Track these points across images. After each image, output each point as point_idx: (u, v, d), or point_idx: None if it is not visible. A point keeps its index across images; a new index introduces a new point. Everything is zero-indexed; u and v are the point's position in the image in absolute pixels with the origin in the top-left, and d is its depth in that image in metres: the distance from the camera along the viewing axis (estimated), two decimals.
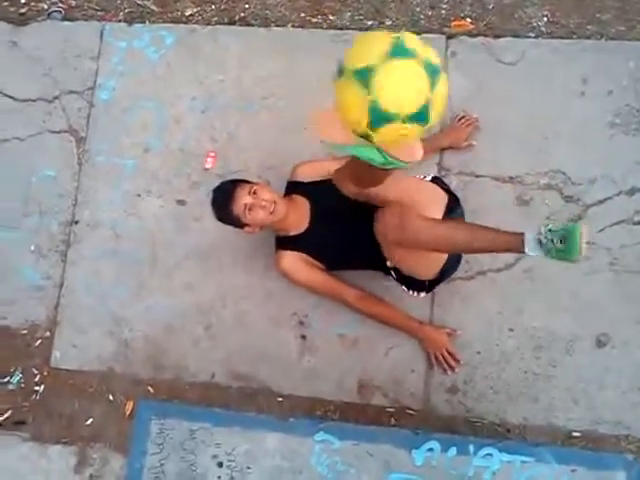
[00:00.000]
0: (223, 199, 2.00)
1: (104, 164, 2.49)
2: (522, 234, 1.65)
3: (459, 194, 2.15)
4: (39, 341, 2.44)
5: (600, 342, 2.07)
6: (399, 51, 1.19)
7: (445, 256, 1.91)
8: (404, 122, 1.20)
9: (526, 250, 1.64)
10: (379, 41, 1.22)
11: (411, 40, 1.22)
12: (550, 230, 1.61)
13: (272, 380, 2.24)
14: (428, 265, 1.92)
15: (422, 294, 2.08)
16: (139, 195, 2.44)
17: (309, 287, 2.13)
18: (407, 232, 1.74)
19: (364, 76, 1.20)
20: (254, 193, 1.96)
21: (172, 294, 2.35)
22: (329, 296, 2.14)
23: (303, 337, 2.24)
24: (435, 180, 2.08)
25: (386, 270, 2.07)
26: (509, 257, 2.16)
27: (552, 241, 1.59)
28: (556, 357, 2.09)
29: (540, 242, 1.62)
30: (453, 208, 1.99)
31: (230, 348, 2.28)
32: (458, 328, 2.14)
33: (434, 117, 1.24)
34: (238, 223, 2.00)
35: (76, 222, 2.47)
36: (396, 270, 2.03)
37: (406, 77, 1.19)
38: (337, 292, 2.11)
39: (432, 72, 1.20)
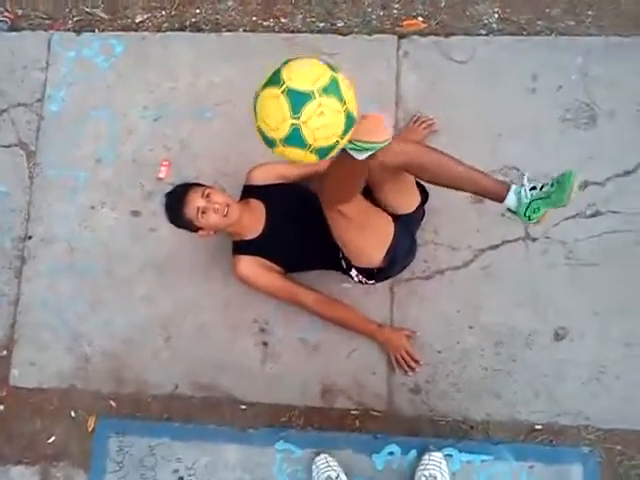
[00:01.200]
0: (176, 203, 2.04)
1: (56, 177, 2.53)
2: (509, 185, 1.79)
3: None
4: None
5: (558, 335, 2.17)
6: (270, 80, 1.45)
7: (389, 237, 1.96)
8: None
9: (506, 200, 1.77)
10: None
11: (288, 69, 1.45)
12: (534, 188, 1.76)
13: (235, 389, 2.30)
14: (373, 246, 1.97)
15: (371, 282, 2.14)
16: (93, 207, 2.49)
17: (268, 292, 2.19)
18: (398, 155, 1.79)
19: (274, 78, 1.44)
20: (207, 196, 2.01)
21: (130, 307, 2.40)
22: (288, 300, 2.20)
23: (265, 344, 2.30)
24: None
25: (342, 269, 2.15)
26: (467, 255, 2.26)
27: (534, 189, 1.75)
28: (516, 352, 2.18)
29: (519, 195, 1.75)
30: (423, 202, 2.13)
31: (192, 359, 2.34)
32: (418, 328, 2.22)
33: (347, 96, 1.44)
34: (192, 227, 2.05)
35: (29, 237, 2.51)
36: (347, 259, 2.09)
37: (305, 63, 1.46)
38: (295, 296, 2.17)
39: (295, 99, 1.39)
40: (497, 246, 2.25)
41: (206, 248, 2.35)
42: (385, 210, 2.00)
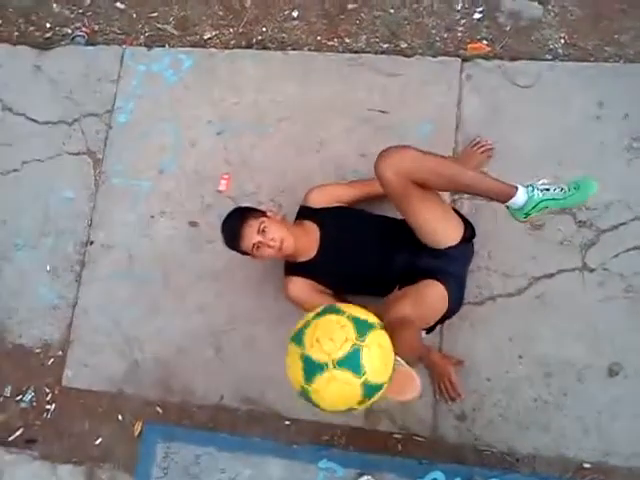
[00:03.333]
0: (232, 236, 2.21)
1: (120, 186, 2.81)
2: (516, 185, 2.00)
3: (470, 219, 2.39)
4: (52, 360, 2.75)
5: (612, 371, 2.24)
6: (328, 309, 1.66)
7: (443, 310, 2.13)
8: (334, 367, 1.55)
9: (515, 197, 1.99)
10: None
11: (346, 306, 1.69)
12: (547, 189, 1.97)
13: (280, 404, 2.48)
14: (427, 323, 2.13)
15: (423, 333, 2.23)
16: (153, 217, 2.75)
17: None
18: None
19: (298, 336, 1.65)
20: (262, 231, 2.14)
21: (184, 315, 2.63)
22: None
23: None
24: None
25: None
26: (521, 282, 2.37)
27: (547, 190, 1.94)
28: (567, 385, 2.27)
29: (531, 194, 1.96)
30: (470, 237, 2.25)
31: (239, 371, 2.54)
32: (467, 354, 2.35)
33: (370, 367, 1.60)
34: (246, 254, 2.24)
35: (91, 243, 2.79)
36: None
37: (333, 326, 1.60)
38: None
39: (360, 325, 1.61)
40: (552, 275, 2.36)
41: (259, 265, 2.54)
42: (427, 241, 2.13)
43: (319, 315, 1.66)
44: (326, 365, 1.55)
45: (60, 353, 2.74)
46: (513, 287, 2.37)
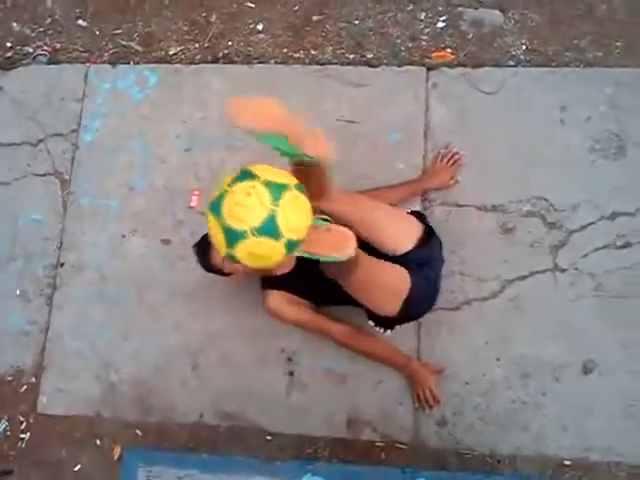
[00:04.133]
0: (203, 253, 2.27)
1: (89, 206, 2.83)
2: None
3: (443, 225, 2.47)
4: (25, 387, 2.74)
5: (587, 368, 2.34)
6: (241, 176, 1.66)
7: (404, 288, 2.08)
8: (254, 235, 1.59)
9: None
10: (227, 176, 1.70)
11: (259, 168, 1.68)
12: None
13: (261, 418, 2.52)
14: (386, 301, 2.10)
15: (388, 332, 2.29)
16: (124, 236, 2.77)
17: (296, 325, 2.40)
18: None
19: (216, 205, 1.64)
20: None
21: (159, 335, 2.65)
22: (317, 333, 2.41)
23: (291, 374, 2.52)
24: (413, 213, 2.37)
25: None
26: (494, 285, 2.46)
27: None
28: (544, 385, 2.35)
29: None
30: (428, 240, 2.24)
31: (218, 387, 2.57)
32: (445, 359, 2.42)
33: (287, 229, 1.62)
34: (223, 273, 2.29)
35: (61, 265, 2.80)
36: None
37: (247, 193, 1.61)
38: (324, 329, 2.38)
39: (274, 188, 1.62)
40: (525, 277, 2.45)
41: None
42: (384, 251, 2.14)
43: (234, 182, 1.65)
44: (245, 233, 1.59)
45: (33, 380, 2.73)
46: (487, 291, 2.46)
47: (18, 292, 2.81)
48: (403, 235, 2.18)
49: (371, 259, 2.00)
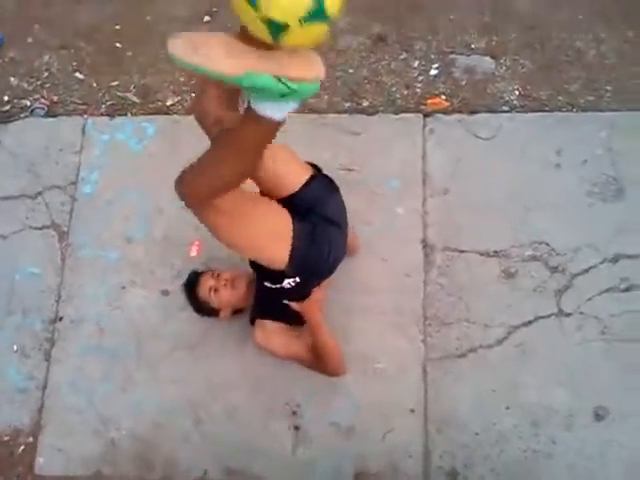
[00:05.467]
0: (190, 288, 2.32)
1: (87, 257, 2.69)
2: None
3: (445, 269, 2.36)
4: (22, 447, 2.54)
5: (598, 415, 2.20)
6: None
7: (285, 229, 1.90)
8: (301, 25, 1.23)
9: None
10: None
11: None
12: None
13: (266, 474, 2.35)
14: (268, 239, 1.90)
15: (285, 283, 2.07)
16: (123, 287, 2.62)
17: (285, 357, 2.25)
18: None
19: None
20: (217, 276, 2.26)
21: (160, 388, 2.49)
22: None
23: (296, 428, 2.36)
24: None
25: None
26: (500, 332, 2.33)
27: None
28: (555, 433, 2.22)
29: None
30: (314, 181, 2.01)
31: (221, 442, 2.40)
32: (454, 408, 2.29)
33: (332, 7, 1.25)
34: (211, 311, 2.29)
35: (60, 319, 2.64)
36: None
37: None
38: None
39: None
40: (530, 322, 2.33)
41: (237, 328, 2.45)
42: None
43: None
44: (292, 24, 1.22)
45: (31, 439, 2.54)
46: (493, 337, 2.33)
47: (15, 348, 2.65)
48: (295, 174, 1.98)
49: (251, 193, 1.90)
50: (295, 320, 2.19)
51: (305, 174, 2.00)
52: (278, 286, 2.11)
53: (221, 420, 2.41)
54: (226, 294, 2.26)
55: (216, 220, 1.83)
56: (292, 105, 1.40)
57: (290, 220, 1.92)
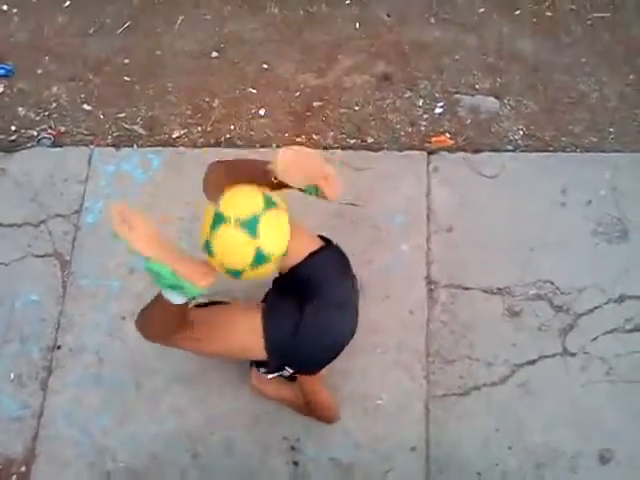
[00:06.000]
0: None
1: (89, 287, 2.66)
2: None
3: (448, 307, 2.34)
4: (14, 477, 2.48)
5: (604, 458, 2.16)
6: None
7: (251, 327, 1.91)
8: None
9: None
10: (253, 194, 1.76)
11: (227, 202, 1.76)
12: None
13: None
14: (240, 344, 1.94)
15: (270, 375, 2.09)
16: (124, 318, 2.59)
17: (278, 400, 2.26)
18: None
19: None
20: None
21: (158, 420, 2.44)
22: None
23: (295, 463, 2.31)
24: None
25: None
26: (504, 370, 2.30)
27: None
28: (560, 475, 2.17)
29: None
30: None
31: (219, 477, 2.34)
32: (456, 447, 2.24)
33: (265, 235, 1.72)
34: None
35: (58, 347, 2.60)
36: None
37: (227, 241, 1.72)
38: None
39: (248, 225, 1.70)
40: (534, 361, 2.30)
41: (235, 364, 2.41)
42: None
43: (212, 230, 1.75)
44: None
45: (24, 469, 2.48)
46: (496, 375, 2.30)
47: (12, 376, 2.60)
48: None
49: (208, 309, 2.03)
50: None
51: (307, 247, 1.93)
52: (277, 374, 2.09)
53: (219, 454, 2.36)
54: None
55: (184, 346, 1.99)
56: (180, 298, 1.71)
57: (255, 317, 1.93)
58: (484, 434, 2.25)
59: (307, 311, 1.87)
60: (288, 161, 1.73)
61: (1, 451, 2.51)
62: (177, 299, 1.72)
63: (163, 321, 1.86)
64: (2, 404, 2.57)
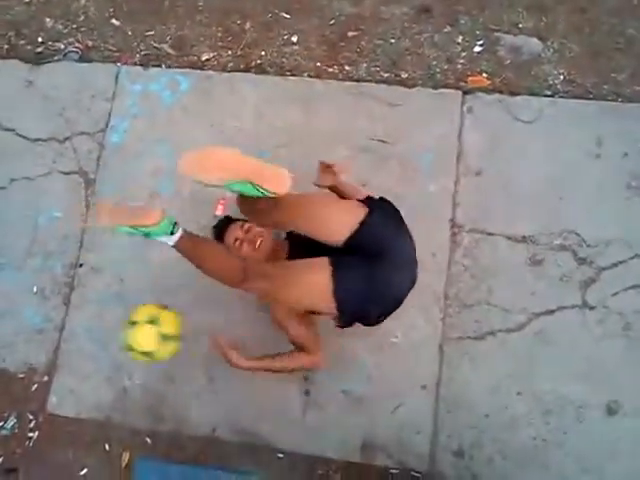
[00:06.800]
0: (219, 231, 2.32)
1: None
2: None
3: (471, 251, 2.32)
4: (36, 385, 2.58)
5: (611, 409, 2.19)
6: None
7: (323, 284, 1.92)
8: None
9: None
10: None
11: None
12: None
13: (274, 436, 2.36)
14: (311, 297, 1.97)
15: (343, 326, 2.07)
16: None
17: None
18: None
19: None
20: (246, 230, 2.24)
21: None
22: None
23: (307, 393, 2.37)
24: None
25: None
26: (521, 318, 2.31)
27: None
28: (566, 423, 2.20)
29: None
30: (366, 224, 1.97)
31: (233, 402, 2.42)
32: (466, 389, 2.28)
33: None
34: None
35: (81, 265, 2.64)
36: None
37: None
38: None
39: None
40: (552, 311, 2.30)
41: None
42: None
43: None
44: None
45: (45, 378, 2.58)
46: (513, 322, 2.31)
47: (35, 289, 2.66)
48: (336, 223, 1.96)
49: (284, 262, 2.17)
50: None
51: (356, 218, 1.96)
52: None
53: (234, 379, 2.41)
54: (247, 251, 2.23)
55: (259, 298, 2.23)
56: (161, 240, 2.01)
57: (326, 276, 1.92)
58: (495, 378, 2.27)
59: (375, 275, 1.92)
60: (188, 163, 1.86)
61: (24, 360, 2.61)
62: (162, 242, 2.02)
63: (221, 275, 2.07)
64: (26, 316, 2.64)
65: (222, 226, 2.33)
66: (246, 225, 2.25)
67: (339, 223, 1.96)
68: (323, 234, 1.97)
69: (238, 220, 2.30)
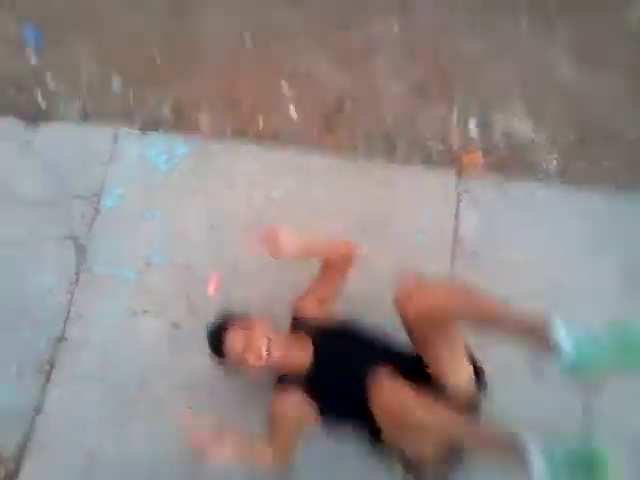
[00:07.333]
0: (217, 345, 2.07)
1: (102, 276, 2.62)
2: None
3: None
4: (2, 474, 2.41)
5: None
6: None
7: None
8: None
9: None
10: None
11: None
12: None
13: None
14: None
15: None
16: (135, 314, 2.54)
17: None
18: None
19: None
20: (247, 338, 2.01)
21: (157, 427, 2.37)
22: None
23: None
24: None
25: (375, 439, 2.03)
26: None
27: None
28: None
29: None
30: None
31: None
32: None
33: None
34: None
35: (65, 339, 2.54)
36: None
37: None
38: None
39: None
40: None
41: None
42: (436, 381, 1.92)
43: None
44: None
45: (13, 466, 2.42)
46: None
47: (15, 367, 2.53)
48: (462, 375, 1.94)
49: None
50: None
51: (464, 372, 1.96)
52: None
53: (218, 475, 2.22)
54: (253, 360, 2.00)
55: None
56: None
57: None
58: None
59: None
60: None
61: None
62: None
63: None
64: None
65: (219, 334, 2.06)
66: (247, 332, 2.01)
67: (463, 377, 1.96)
68: (444, 378, 1.92)
69: (238, 317, 2.10)
